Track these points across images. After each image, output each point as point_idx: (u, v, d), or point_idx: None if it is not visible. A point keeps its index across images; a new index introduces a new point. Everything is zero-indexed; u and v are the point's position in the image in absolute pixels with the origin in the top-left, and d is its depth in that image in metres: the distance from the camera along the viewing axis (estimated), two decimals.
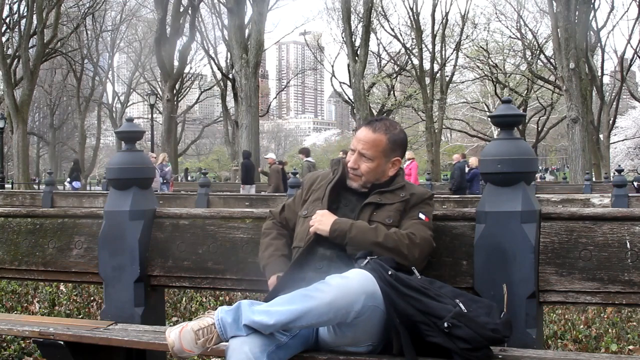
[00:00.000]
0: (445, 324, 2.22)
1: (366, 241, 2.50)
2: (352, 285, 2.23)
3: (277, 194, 12.51)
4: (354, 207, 2.68)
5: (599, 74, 32.29)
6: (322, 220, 2.59)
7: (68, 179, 22.33)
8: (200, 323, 2.24)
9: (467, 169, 15.28)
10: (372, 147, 2.70)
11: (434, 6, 36.86)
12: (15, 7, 33.21)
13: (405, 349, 2.25)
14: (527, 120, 38.01)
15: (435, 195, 2.90)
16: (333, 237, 2.55)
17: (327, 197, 2.70)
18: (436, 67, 37.70)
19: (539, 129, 39.37)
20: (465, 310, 2.26)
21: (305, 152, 16.20)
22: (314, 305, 2.18)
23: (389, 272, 2.30)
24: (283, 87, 59.38)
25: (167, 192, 14.22)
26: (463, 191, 14.60)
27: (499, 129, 2.85)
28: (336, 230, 2.55)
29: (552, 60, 31.74)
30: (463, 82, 42.14)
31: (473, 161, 15.68)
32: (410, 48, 38.43)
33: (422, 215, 2.64)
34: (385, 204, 2.65)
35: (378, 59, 42.66)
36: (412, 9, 36.85)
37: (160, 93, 36.57)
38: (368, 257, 2.40)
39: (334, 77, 41.45)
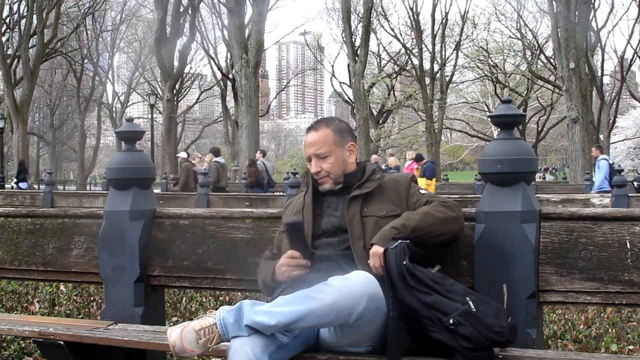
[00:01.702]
0: (451, 321, 2.22)
1: (417, 229, 2.45)
2: (354, 286, 2.23)
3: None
4: (337, 206, 2.68)
5: (599, 74, 32.27)
6: (374, 257, 2.46)
7: (15, 180, 22.04)
8: (201, 323, 2.24)
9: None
10: (323, 144, 2.71)
11: (434, 6, 36.93)
12: (15, 7, 33.27)
13: (390, 344, 2.25)
14: (527, 120, 38.02)
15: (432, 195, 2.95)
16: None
17: (311, 203, 2.69)
18: (436, 67, 37.74)
19: (539, 129, 39.38)
20: (474, 309, 2.26)
21: (215, 151, 16.11)
22: (316, 306, 2.18)
23: (404, 262, 2.30)
24: (283, 87, 59.35)
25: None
26: None
27: (499, 129, 2.85)
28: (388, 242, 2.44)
29: (552, 60, 31.75)
30: (463, 82, 42.22)
31: (392, 161, 16.27)
32: (410, 48, 38.47)
33: (422, 191, 2.68)
34: (369, 193, 2.64)
35: (378, 59, 42.69)
36: (412, 9, 36.91)
37: (160, 93, 36.55)
38: (399, 240, 2.38)
39: (334, 77, 41.54)
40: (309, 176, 2.79)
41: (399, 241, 2.38)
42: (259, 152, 16.78)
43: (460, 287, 2.38)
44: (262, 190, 14.56)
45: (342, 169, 2.72)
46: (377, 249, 2.43)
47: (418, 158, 16.96)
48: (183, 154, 16.40)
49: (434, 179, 16.58)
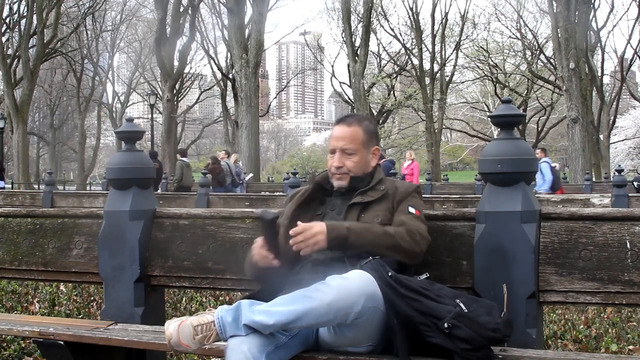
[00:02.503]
0: (446, 325, 2.22)
1: (366, 244, 2.48)
2: (352, 286, 2.22)
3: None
4: (340, 210, 2.67)
5: (599, 74, 32.29)
6: (316, 235, 2.46)
7: None
8: (200, 319, 2.24)
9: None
10: (352, 141, 2.71)
11: (434, 6, 36.93)
12: (15, 7, 33.24)
13: (400, 350, 2.25)
14: (527, 120, 38.01)
15: (434, 196, 2.92)
16: (331, 247, 2.48)
17: (294, 208, 2.70)
18: (436, 67, 37.73)
19: (539, 129, 39.36)
20: (466, 310, 2.26)
21: (181, 152, 17.13)
22: (314, 305, 2.18)
23: (389, 274, 2.30)
24: (283, 87, 59.27)
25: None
26: None
27: (499, 129, 2.85)
28: (334, 239, 2.47)
29: (552, 60, 31.74)
30: (463, 82, 42.18)
31: None
32: (410, 48, 38.46)
33: (411, 209, 2.62)
34: (370, 202, 2.65)
35: (378, 59, 42.65)
36: (412, 9, 36.90)
37: (160, 93, 36.54)
38: (370, 257, 2.40)
39: (334, 77, 41.49)
40: (313, 177, 2.79)
41: (370, 258, 2.38)
42: (223, 152, 17.20)
43: (449, 290, 2.39)
44: (225, 189, 14.81)
45: (362, 171, 2.73)
46: (318, 229, 2.44)
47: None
48: None
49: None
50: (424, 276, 2.44)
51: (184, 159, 15.95)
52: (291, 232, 2.47)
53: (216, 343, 2.26)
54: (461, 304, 2.27)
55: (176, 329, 2.21)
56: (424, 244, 2.56)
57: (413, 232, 2.53)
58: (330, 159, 2.75)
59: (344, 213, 2.65)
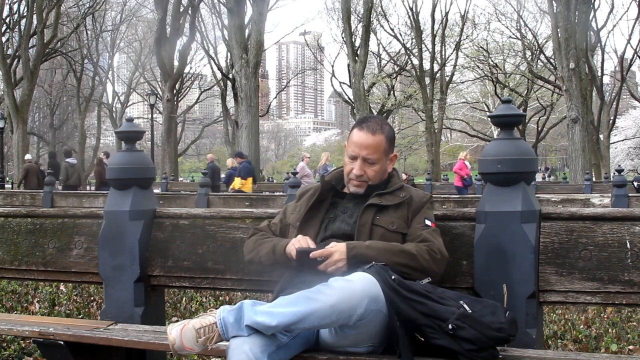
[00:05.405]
0: (450, 326, 2.21)
1: (386, 261, 2.46)
2: (355, 288, 2.22)
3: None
4: (352, 213, 2.66)
5: (599, 74, 32.27)
6: (336, 263, 2.48)
7: None
8: (202, 321, 2.24)
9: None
10: (376, 151, 2.68)
11: (434, 6, 36.96)
12: (15, 7, 33.24)
13: (403, 352, 2.25)
14: (527, 120, 38.02)
15: (434, 196, 2.95)
16: (351, 266, 2.47)
17: (306, 211, 2.69)
18: (436, 67, 37.76)
19: (539, 129, 39.37)
20: (470, 311, 2.25)
21: (66, 152, 18.20)
22: (316, 307, 2.17)
23: (392, 277, 2.30)
24: (283, 87, 59.24)
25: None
26: (217, 189, 16.16)
27: (499, 129, 2.85)
28: (354, 257, 2.47)
29: (552, 60, 31.77)
30: (463, 82, 42.23)
31: (229, 162, 17.43)
32: (410, 48, 38.49)
33: (428, 222, 2.62)
34: (387, 205, 2.63)
35: (378, 59, 42.68)
36: (411, 9, 36.93)
37: (160, 93, 36.53)
38: (373, 262, 2.39)
39: (334, 77, 41.51)
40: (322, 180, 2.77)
41: (373, 263, 2.38)
42: (102, 153, 18.05)
43: (452, 292, 2.38)
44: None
45: (380, 178, 2.71)
46: (337, 256, 2.45)
47: (238, 155, 17.11)
48: (28, 156, 19.40)
49: (249, 179, 16.02)
50: (426, 280, 2.44)
51: (68, 160, 16.78)
52: (311, 255, 2.48)
53: (218, 343, 2.26)
54: (465, 305, 2.27)
55: (179, 333, 2.21)
56: (443, 264, 2.54)
57: (434, 252, 2.51)
58: (349, 163, 2.71)
59: (358, 214, 2.62)
